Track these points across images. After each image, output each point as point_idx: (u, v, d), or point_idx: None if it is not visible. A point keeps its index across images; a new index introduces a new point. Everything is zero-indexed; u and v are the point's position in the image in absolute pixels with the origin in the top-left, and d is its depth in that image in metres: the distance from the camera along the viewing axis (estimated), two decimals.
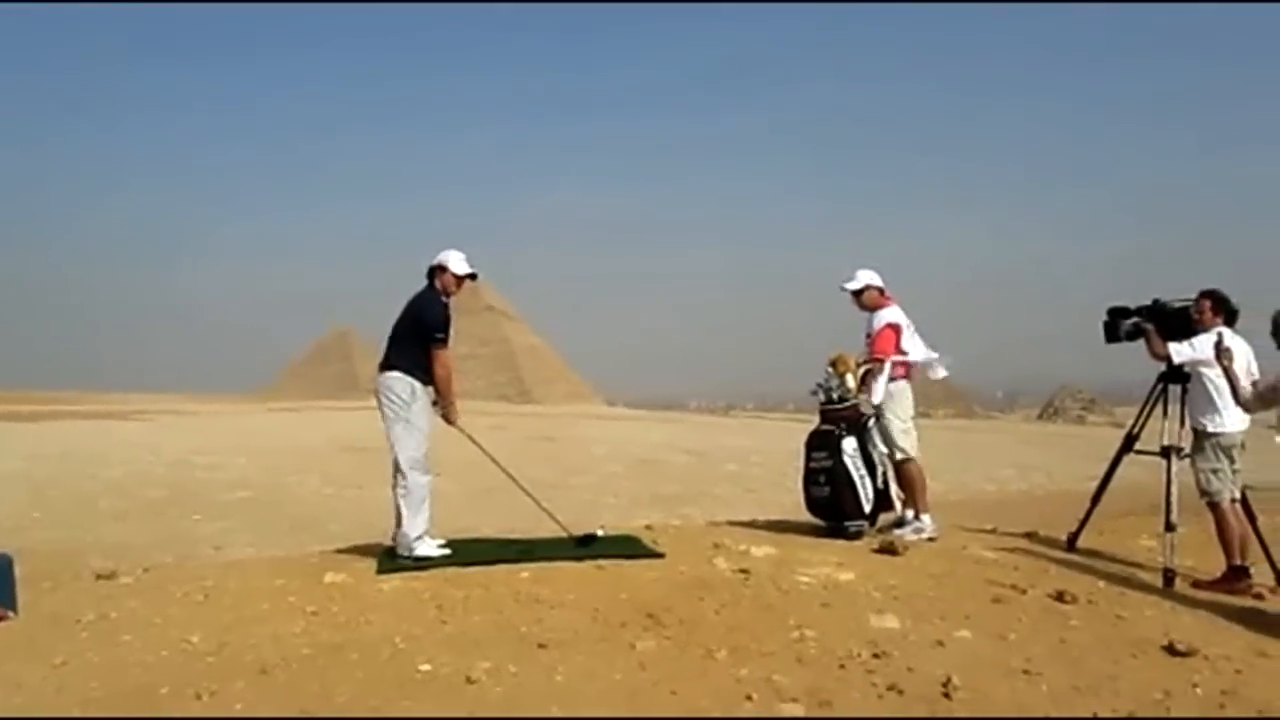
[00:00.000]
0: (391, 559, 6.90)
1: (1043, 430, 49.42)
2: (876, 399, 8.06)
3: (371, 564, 6.84)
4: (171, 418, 37.99)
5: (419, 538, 6.93)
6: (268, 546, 10.32)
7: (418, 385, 6.97)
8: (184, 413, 41.86)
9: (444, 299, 7.11)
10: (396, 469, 6.95)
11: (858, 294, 8.36)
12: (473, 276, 7.22)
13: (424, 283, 7.20)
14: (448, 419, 7.14)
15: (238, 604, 5.86)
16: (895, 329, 8.12)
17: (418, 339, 6.97)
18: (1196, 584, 6.65)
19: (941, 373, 8.37)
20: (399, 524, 6.96)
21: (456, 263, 7.15)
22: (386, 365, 7.06)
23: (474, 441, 7.51)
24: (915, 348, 8.24)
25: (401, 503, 6.92)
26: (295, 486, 16.71)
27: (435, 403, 7.09)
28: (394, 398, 6.93)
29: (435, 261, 7.17)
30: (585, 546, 7.23)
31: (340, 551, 7.61)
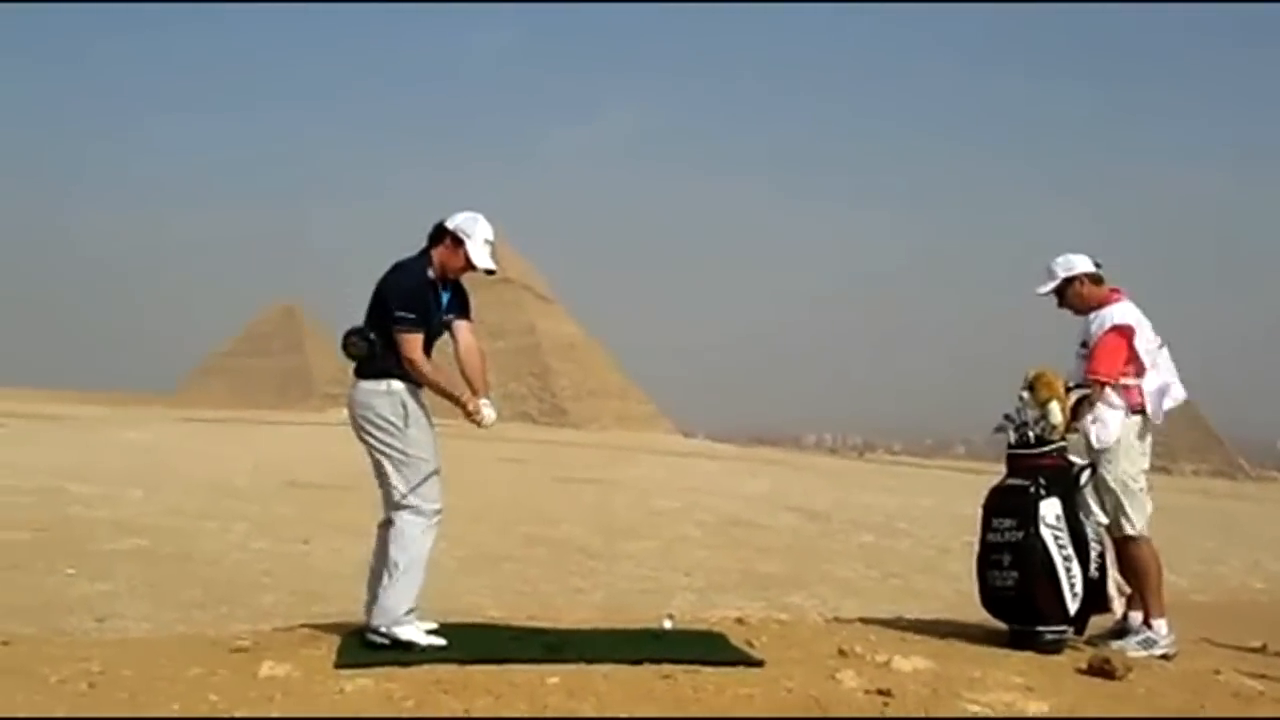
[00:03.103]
0: (360, 646, 7.00)
1: None
2: (1102, 441, 8.03)
3: (328, 652, 6.92)
4: (40, 425, 38.65)
5: (408, 613, 7.04)
6: (169, 620, 10.51)
7: (409, 396, 7.12)
8: (58, 418, 42.51)
9: (429, 274, 7.22)
10: (387, 515, 7.11)
11: (1061, 292, 8.36)
12: (490, 272, 7.36)
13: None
14: (473, 417, 7.25)
15: (136, 701, 5.96)
16: (1126, 335, 8.07)
17: (380, 323, 7.12)
18: None
19: (1178, 396, 8.32)
20: (374, 594, 7.07)
21: (479, 242, 7.25)
22: (362, 370, 7.20)
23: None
24: (1161, 364, 8.20)
25: (391, 557, 7.03)
26: (211, 536, 16.99)
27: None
28: (377, 419, 7.08)
29: (448, 224, 7.27)
30: (645, 645, 7.28)
31: (281, 631, 7.72)
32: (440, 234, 7.25)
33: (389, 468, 7.04)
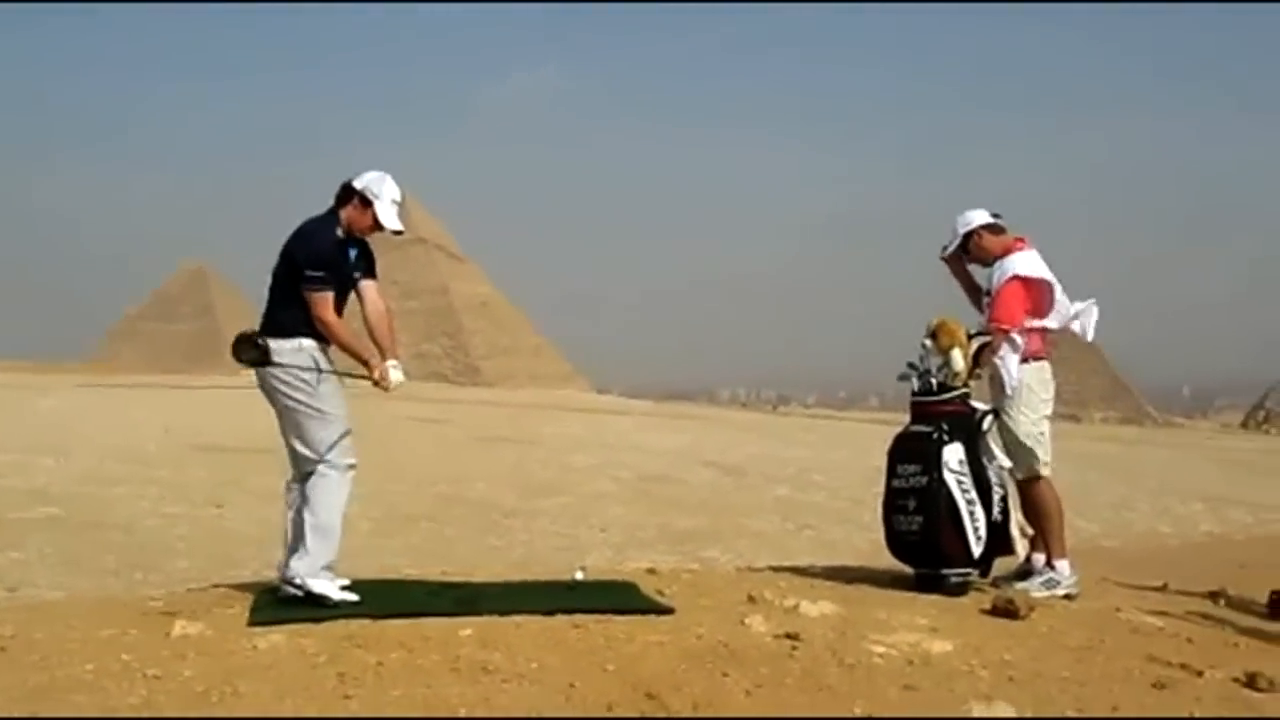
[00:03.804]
0: (273, 604, 7.04)
1: (1247, 446, 49.48)
2: (1008, 386, 8.18)
3: (241, 611, 6.96)
4: None
5: (324, 569, 7.10)
6: (84, 588, 10.47)
7: (319, 353, 7.20)
8: None
9: (338, 233, 7.26)
10: (298, 474, 7.20)
11: (965, 248, 8.53)
12: (398, 233, 7.43)
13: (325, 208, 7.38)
14: (380, 383, 7.31)
15: (48, 662, 5.97)
16: (1026, 284, 8.23)
17: (285, 282, 7.21)
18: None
19: (1093, 322, 8.48)
20: (292, 549, 7.14)
21: (386, 202, 7.32)
22: (269, 329, 7.23)
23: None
24: (1059, 309, 8.35)
25: (308, 513, 7.09)
26: (124, 503, 16.86)
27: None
28: (289, 376, 7.12)
29: (355, 184, 7.31)
30: (557, 596, 7.37)
31: (194, 592, 7.74)
32: (348, 194, 7.29)
33: (303, 425, 7.11)
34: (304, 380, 7.10)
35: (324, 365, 7.18)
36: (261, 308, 7.41)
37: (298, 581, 7.03)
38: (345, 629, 6.53)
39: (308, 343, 7.16)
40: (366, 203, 7.26)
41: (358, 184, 7.28)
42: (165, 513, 16.01)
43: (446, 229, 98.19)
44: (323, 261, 7.08)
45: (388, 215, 7.29)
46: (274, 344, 7.12)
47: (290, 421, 7.17)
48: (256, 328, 7.25)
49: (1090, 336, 8.59)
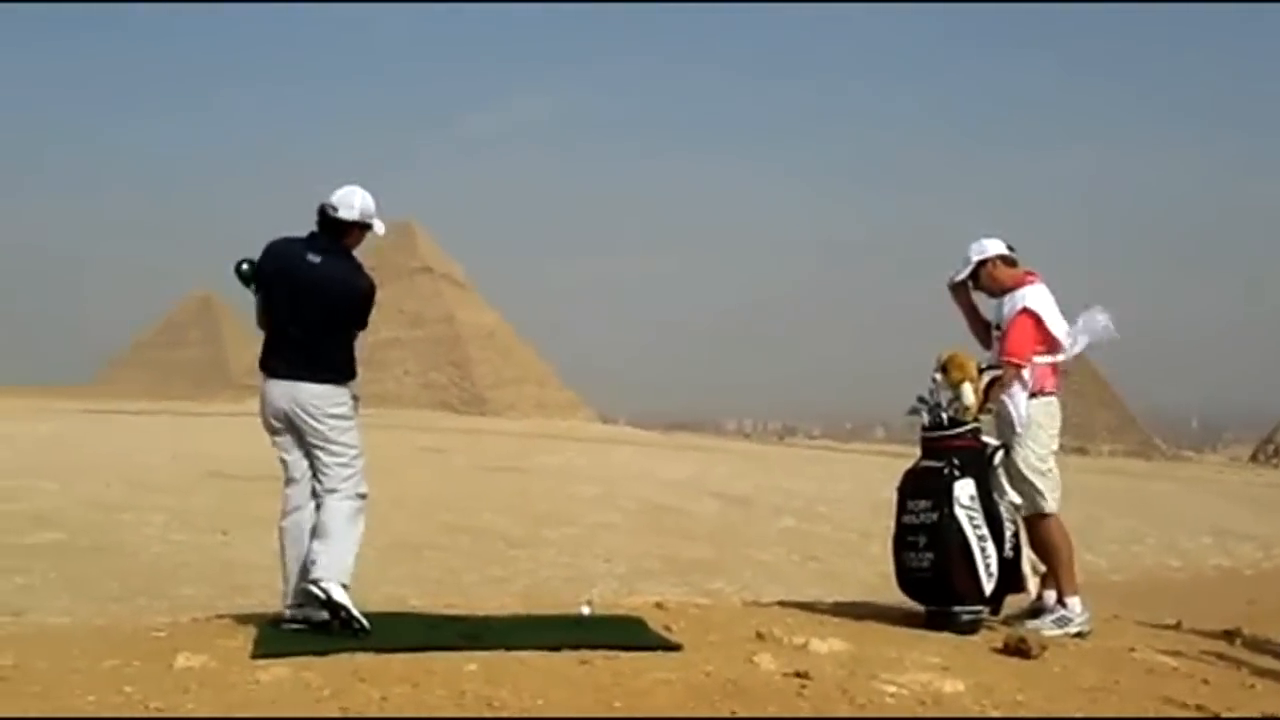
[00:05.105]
0: (277, 636, 6.98)
1: (1256, 481, 49.38)
2: (1018, 423, 8.12)
3: (244, 642, 6.90)
4: None
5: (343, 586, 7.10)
6: (88, 614, 10.42)
7: (349, 391, 7.36)
8: None
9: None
10: (312, 494, 7.29)
11: (975, 276, 8.48)
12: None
13: (309, 229, 7.41)
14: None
15: (50, 693, 5.92)
16: (1036, 318, 8.18)
17: (344, 329, 7.30)
18: None
19: (1101, 323, 8.40)
20: (299, 576, 7.15)
21: (377, 220, 7.45)
22: (314, 373, 7.28)
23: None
24: (1066, 342, 8.29)
25: (330, 527, 7.15)
26: (130, 529, 16.85)
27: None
28: (335, 415, 7.25)
29: (357, 213, 7.33)
30: (563, 631, 7.30)
31: (198, 622, 7.69)
32: (348, 227, 7.33)
33: (339, 457, 7.23)
34: (341, 420, 7.24)
35: (351, 402, 7.37)
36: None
37: (323, 584, 6.98)
38: (350, 663, 6.47)
39: (345, 384, 7.34)
40: (364, 226, 7.35)
41: (352, 215, 7.29)
42: (171, 539, 16.01)
43: (452, 257, 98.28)
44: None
45: (381, 226, 7.48)
46: (315, 388, 7.21)
47: (324, 451, 7.24)
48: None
49: (1109, 334, 8.45)
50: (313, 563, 7.10)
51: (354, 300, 7.27)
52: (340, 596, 7.01)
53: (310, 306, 7.23)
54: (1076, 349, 8.39)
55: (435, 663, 6.49)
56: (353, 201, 7.27)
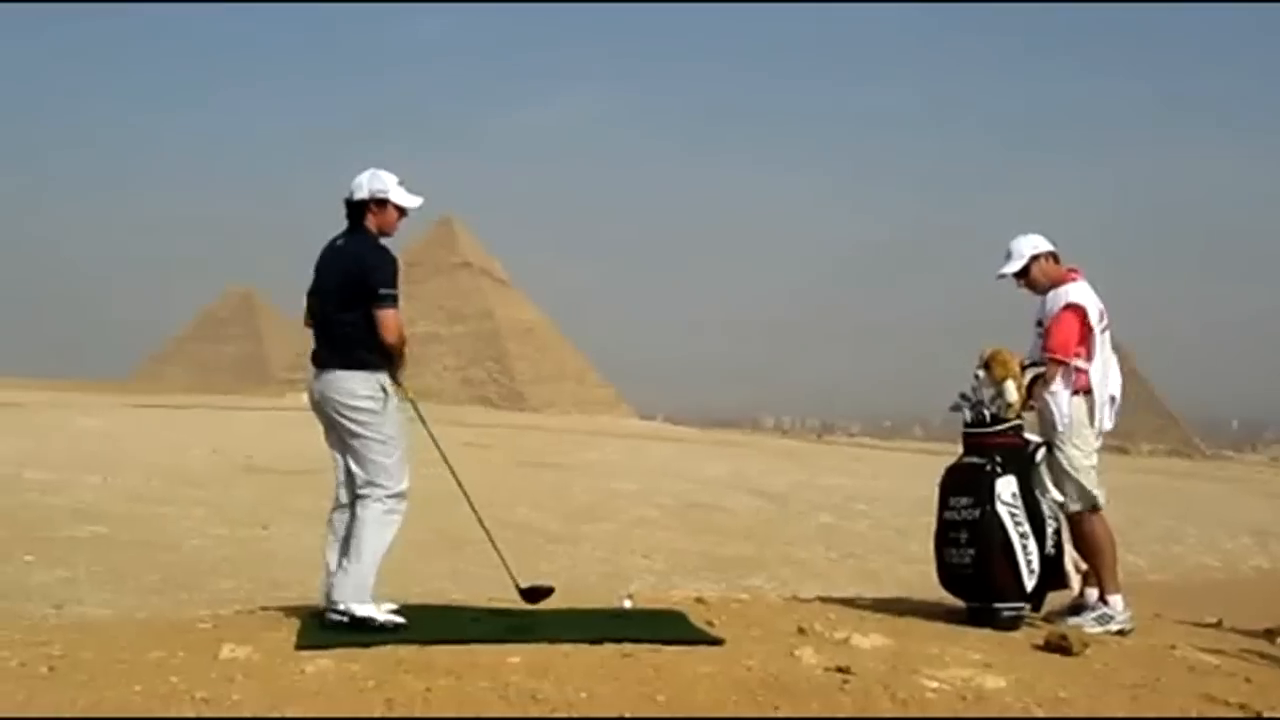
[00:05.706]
0: (320, 627, 7.03)
1: None
2: (1060, 421, 8.10)
3: (289, 634, 6.94)
4: None
5: (370, 595, 7.08)
6: (129, 606, 10.48)
7: (385, 380, 7.25)
8: (10, 404, 42.21)
9: (384, 244, 7.38)
10: (349, 494, 7.24)
11: (1025, 271, 8.43)
12: (417, 207, 7.48)
13: (342, 225, 7.44)
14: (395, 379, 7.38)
15: (96, 683, 5.97)
16: (1080, 314, 8.15)
17: (362, 305, 7.19)
18: None
19: (1116, 396, 8.40)
20: (333, 572, 7.14)
21: (398, 190, 7.39)
22: (336, 359, 7.29)
23: (420, 417, 7.64)
24: (1106, 354, 8.28)
25: (359, 535, 7.10)
26: (170, 522, 16.92)
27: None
28: (356, 406, 7.18)
29: (366, 192, 7.36)
30: (605, 625, 7.31)
31: (241, 614, 7.72)
32: (362, 208, 7.35)
33: (365, 451, 7.17)
34: (369, 408, 7.16)
35: (389, 389, 7.25)
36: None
37: (341, 607, 7.01)
38: (394, 654, 6.50)
39: (381, 375, 7.23)
40: (382, 203, 7.33)
41: (362, 194, 7.34)
42: (211, 533, 16.06)
43: (492, 254, 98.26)
44: (394, 279, 7.20)
45: (405, 198, 7.39)
46: (343, 373, 7.20)
47: (351, 446, 7.21)
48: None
49: (1109, 426, 8.45)
50: (333, 584, 7.15)
51: (361, 268, 7.20)
52: (363, 612, 7.03)
53: (329, 286, 7.30)
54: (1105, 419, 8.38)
55: (479, 655, 6.51)
56: (360, 181, 7.34)
